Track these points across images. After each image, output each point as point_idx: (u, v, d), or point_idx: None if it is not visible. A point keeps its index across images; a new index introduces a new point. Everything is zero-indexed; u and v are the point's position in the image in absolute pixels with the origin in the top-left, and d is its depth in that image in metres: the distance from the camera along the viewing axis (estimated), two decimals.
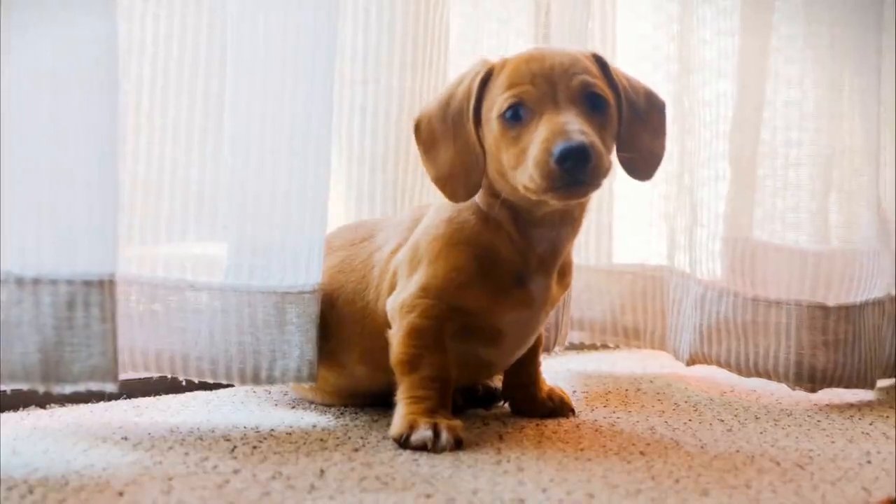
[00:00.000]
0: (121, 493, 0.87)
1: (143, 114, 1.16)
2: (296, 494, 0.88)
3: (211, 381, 1.16)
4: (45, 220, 0.97)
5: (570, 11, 1.46)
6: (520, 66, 1.07)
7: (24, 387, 0.98)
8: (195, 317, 1.14)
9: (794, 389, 1.41)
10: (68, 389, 0.98)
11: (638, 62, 1.63)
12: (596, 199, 1.59)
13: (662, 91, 1.55)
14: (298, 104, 1.13)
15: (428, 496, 0.88)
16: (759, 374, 1.41)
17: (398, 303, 1.11)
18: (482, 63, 1.10)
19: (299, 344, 1.15)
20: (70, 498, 0.85)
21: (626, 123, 1.10)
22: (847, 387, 1.40)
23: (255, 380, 1.15)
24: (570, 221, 1.12)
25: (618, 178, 1.63)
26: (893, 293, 1.49)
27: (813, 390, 1.39)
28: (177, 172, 1.16)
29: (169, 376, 1.17)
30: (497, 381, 1.29)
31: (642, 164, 1.13)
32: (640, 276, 1.60)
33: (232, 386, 1.30)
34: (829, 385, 1.39)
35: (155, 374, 1.16)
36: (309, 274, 1.15)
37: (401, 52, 1.38)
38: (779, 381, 1.40)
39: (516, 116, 1.05)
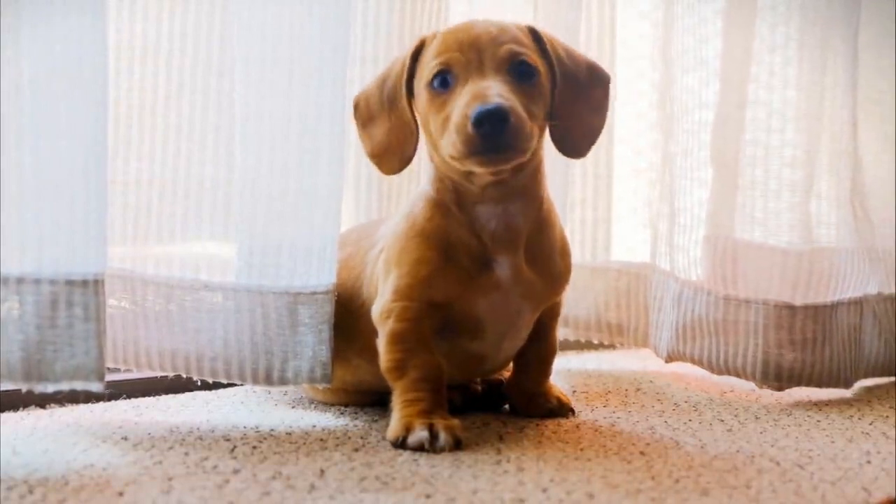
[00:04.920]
0: (121, 493, 0.87)
1: (157, 114, 1.17)
2: (296, 494, 0.88)
3: (225, 381, 1.17)
4: (30, 219, 0.97)
5: (564, 8, 1.46)
6: (448, 36, 1.08)
7: (7, 385, 0.99)
8: (209, 317, 1.14)
9: (760, 388, 1.41)
10: (51, 388, 0.98)
11: (635, 60, 1.63)
12: (580, 195, 1.60)
13: (659, 90, 1.56)
14: (310, 101, 1.13)
15: (428, 496, 0.88)
16: (729, 373, 1.42)
17: (377, 310, 1.12)
18: (417, 39, 1.12)
19: (312, 345, 1.15)
20: (70, 498, 0.85)
21: (561, 96, 1.11)
22: (818, 386, 1.40)
23: (268, 380, 1.15)
24: (517, 196, 1.11)
25: (615, 177, 1.65)
26: (885, 292, 1.48)
27: (780, 389, 1.40)
28: (191, 171, 1.17)
29: (171, 375, 1.17)
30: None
31: (577, 139, 1.14)
32: (624, 274, 1.59)
33: (233, 385, 1.30)
34: (798, 384, 1.39)
35: (171, 374, 1.17)
36: (321, 274, 1.15)
37: (386, 49, 1.38)
38: (747, 379, 1.41)
39: (444, 84, 1.06)
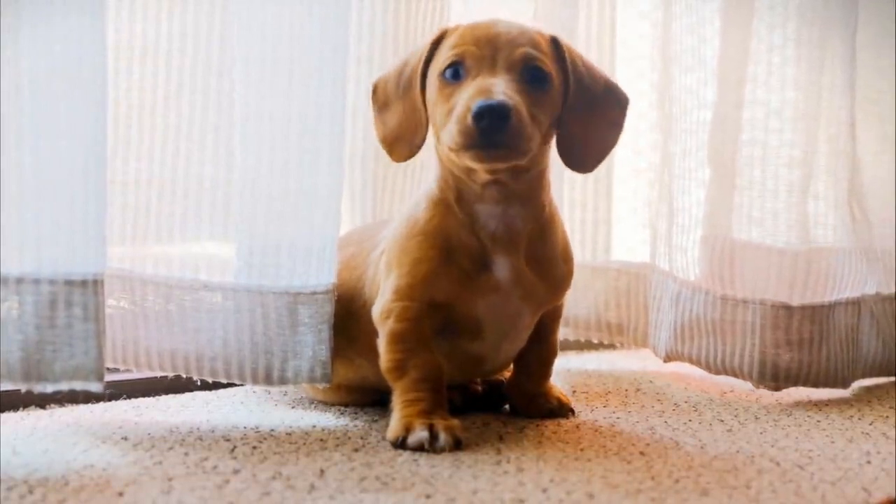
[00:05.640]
0: (121, 494, 0.87)
1: (157, 114, 1.17)
2: (296, 494, 0.88)
3: (225, 381, 1.17)
4: (30, 219, 0.97)
5: (561, 7, 1.46)
6: (468, 30, 1.09)
7: (7, 385, 0.98)
8: (209, 317, 1.14)
9: (757, 388, 1.41)
10: (50, 389, 0.98)
11: (635, 60, 1.62)
12: (581, 196, 1.60)
13: (658, 90, 1.56)
14: (310, 101, 1.13)
15: (428, 496, 0.88)
16: (726, 372, 1.42)
17: (378, 310, 1.12)
18: (439, 29, 1.13)
19: (311, 344, 1.15)
20: (70, 498, 0.85)
21: (572, 108, 1.11)
22: (815, 386, 1.40)
23: (268, 380, 1.15)
24: (518, 199, 1.11)
25: (615, 178, 1.65)
26: (883, 292, 1.49)
27: (777, 389, 1.40)
28: (190, 171, 1.17)
29: (171, 375, 1.17)
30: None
31: (585, 154, 1.14)
32: (623, 273, 1.60)
33: (233, 385, 1.30)
34: (795, 384, 1.39)
35: (171, 374, 1.17)
36: (321, 274, 1.15)
37: (381, 49, 1.38)
38: (744, 379, 1.41)
39: (455, 75, 1.07)
